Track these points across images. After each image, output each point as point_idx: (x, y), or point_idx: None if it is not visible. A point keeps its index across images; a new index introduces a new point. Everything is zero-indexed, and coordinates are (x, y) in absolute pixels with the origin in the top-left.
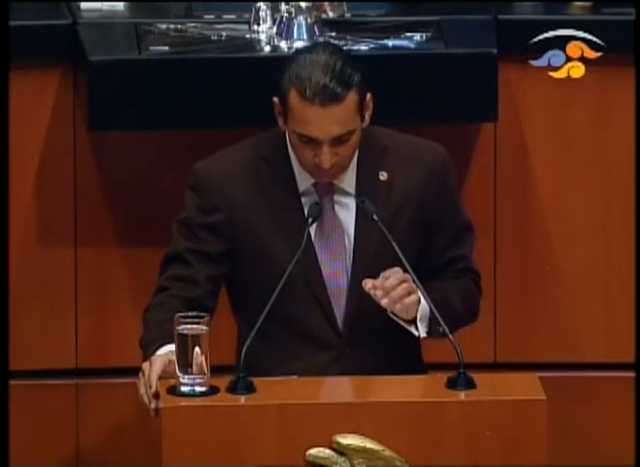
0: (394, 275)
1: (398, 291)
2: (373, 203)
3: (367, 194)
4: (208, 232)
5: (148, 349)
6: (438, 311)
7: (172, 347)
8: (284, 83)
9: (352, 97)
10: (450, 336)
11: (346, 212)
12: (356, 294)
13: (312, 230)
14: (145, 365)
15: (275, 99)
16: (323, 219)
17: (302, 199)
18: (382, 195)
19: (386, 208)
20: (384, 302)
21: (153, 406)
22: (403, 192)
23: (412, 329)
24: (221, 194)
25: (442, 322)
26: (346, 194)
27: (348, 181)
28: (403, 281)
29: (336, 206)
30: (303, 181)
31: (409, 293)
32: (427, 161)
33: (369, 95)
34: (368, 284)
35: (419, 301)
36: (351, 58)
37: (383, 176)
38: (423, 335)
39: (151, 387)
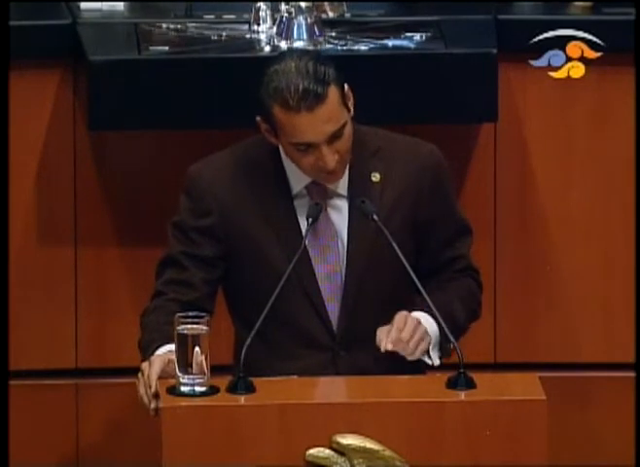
0: (406, 329)
1: (411, 346)
2: None
3: (359, 195)
4: (202, 235)
5: (147, 350)
6: (445, 330)
7: (171, 347)
8: (264, 101)
9: (334, 92)
10: (458, 349)
11: (339, 214)
12: (350, 296)
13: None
14: (144, 365)
15: (258, 119)
16: (316, 222)
17: (295, 202)
18: (375, 196)
19: (379, 209)
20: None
21: (152, 406)
22: (395, 193)
23: (425, 358)
24: (213, 197)
25: (455, 344)
26: (339, 196)
27: (341, 183)
28: (412, 335)
29: (328, 209)
30: (296, 184)
31: (422, 339)
32: (421, 162)
33: (346, 86)
34: (383, 344)
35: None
36: (320, 56)
37: (376, 177)
38: (437, 362)
39: (150, 387)
